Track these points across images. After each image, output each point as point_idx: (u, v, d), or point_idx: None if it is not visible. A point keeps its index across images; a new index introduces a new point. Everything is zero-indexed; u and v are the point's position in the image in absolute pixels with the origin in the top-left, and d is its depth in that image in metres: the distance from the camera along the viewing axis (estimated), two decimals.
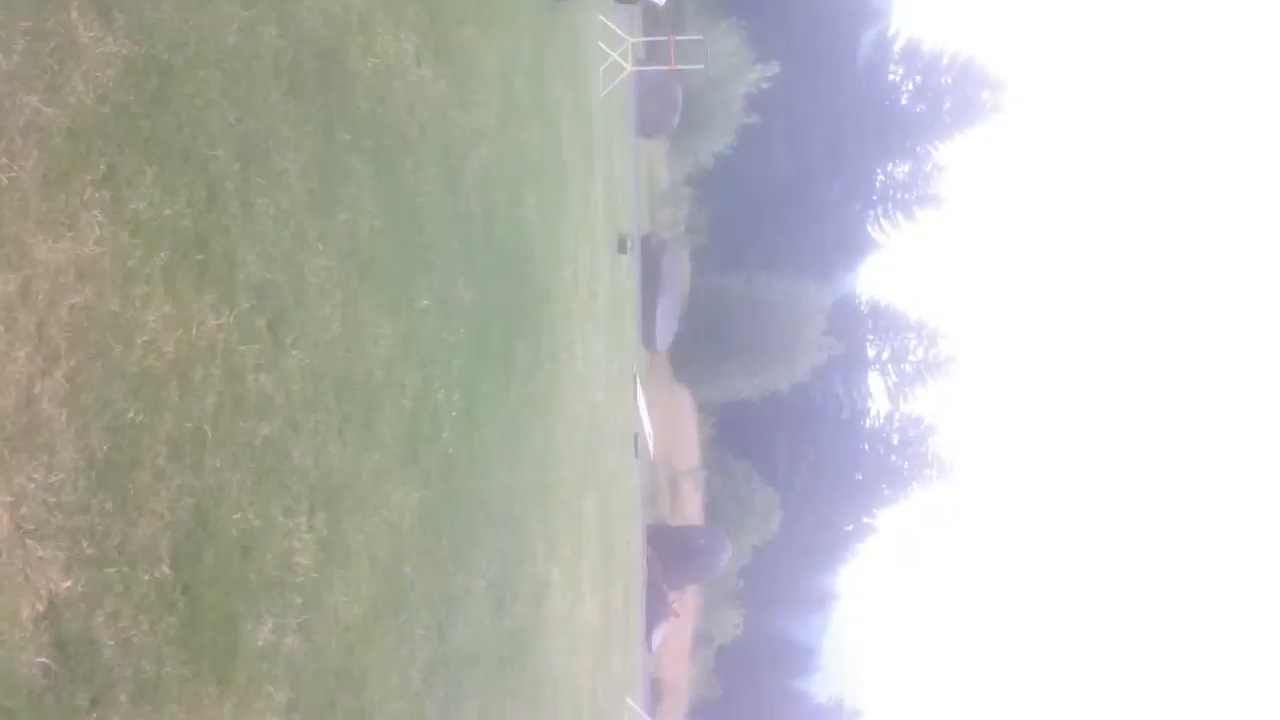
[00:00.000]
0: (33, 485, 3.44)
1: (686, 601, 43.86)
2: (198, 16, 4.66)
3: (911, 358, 76.17)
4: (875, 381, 78.77)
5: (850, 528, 79.17)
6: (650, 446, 35.77)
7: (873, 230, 73.23)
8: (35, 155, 3.58)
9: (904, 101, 69.63)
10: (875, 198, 72.09)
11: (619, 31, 21.46)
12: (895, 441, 75.97)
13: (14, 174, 3.48)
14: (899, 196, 72.02)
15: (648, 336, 36.28)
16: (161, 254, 4.25)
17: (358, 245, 6.29)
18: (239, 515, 4.67)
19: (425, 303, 7.58)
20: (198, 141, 4.58)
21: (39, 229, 3.57)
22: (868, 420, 78.56)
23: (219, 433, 4.57)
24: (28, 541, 3.39)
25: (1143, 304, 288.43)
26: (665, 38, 22.71)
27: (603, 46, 19.89)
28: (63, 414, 3.61)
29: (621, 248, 24.57)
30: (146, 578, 3.97)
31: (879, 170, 71.36)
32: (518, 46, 11.49)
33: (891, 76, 69.59)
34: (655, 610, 35.83)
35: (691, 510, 48.15)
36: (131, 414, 3.98)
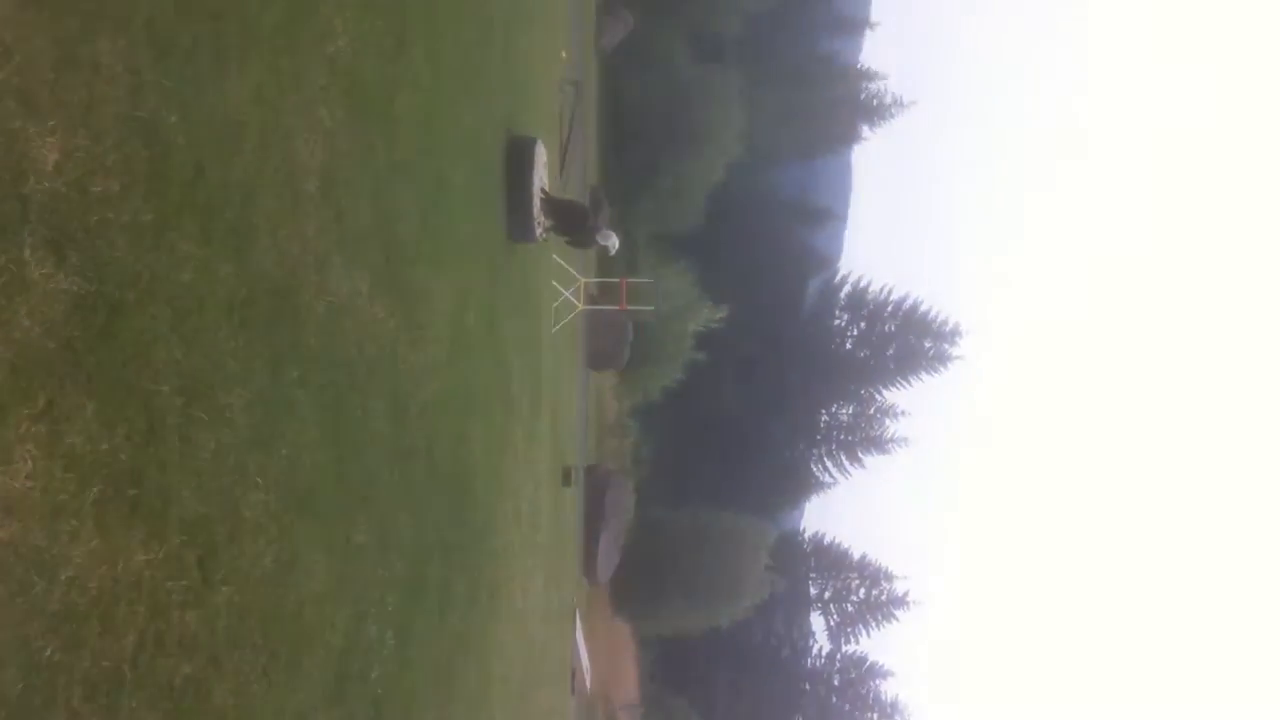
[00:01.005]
0: None
1: None
2: (153, 255, 4.77)
3: (854, 598, 75.53)
4: (817, 620, 77.70)
5: None
6: (588, 681, 34.60)
7: (817, 470, 73.94)
8: None
9: (848, 346, 71.86)
10: (819, 438, 73.20)
11: (572, 271, 22.24)
12: (836, 682, 74.21)
13: None
14: (843, 438, 73.18)
15: (589, 568, 35.81)
16: (94, 489, 4.19)
17: (297, 480, 6.24)
18: None
19: (362, 538, 7.45)
20: (142, 377, 4.60)
21: None
22: (809, 659, 76.93)
23: (138, 673, 4.38)
24: None
25: (1103, 537, 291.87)
26: (618, 279, 23.52)
27: (556, 285, 20.55)
28: None
29: (566, 481, 24.55)
30: None
31: (823, 411, 72.80)
32: (471, 285, 11.83)
33: (836, 321, 72.08)
34: None
35: None
36: (49, 652, 3.82)
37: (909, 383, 70.31)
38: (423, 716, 9.10)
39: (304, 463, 6.35)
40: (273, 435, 5.94)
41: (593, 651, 35.79)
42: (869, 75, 74.59)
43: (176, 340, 4.90)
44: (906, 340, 69.56)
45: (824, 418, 73.37)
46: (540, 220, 15.07)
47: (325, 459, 6.70)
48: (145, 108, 4.78)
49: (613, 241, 16.16)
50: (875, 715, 72.39)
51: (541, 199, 15.18)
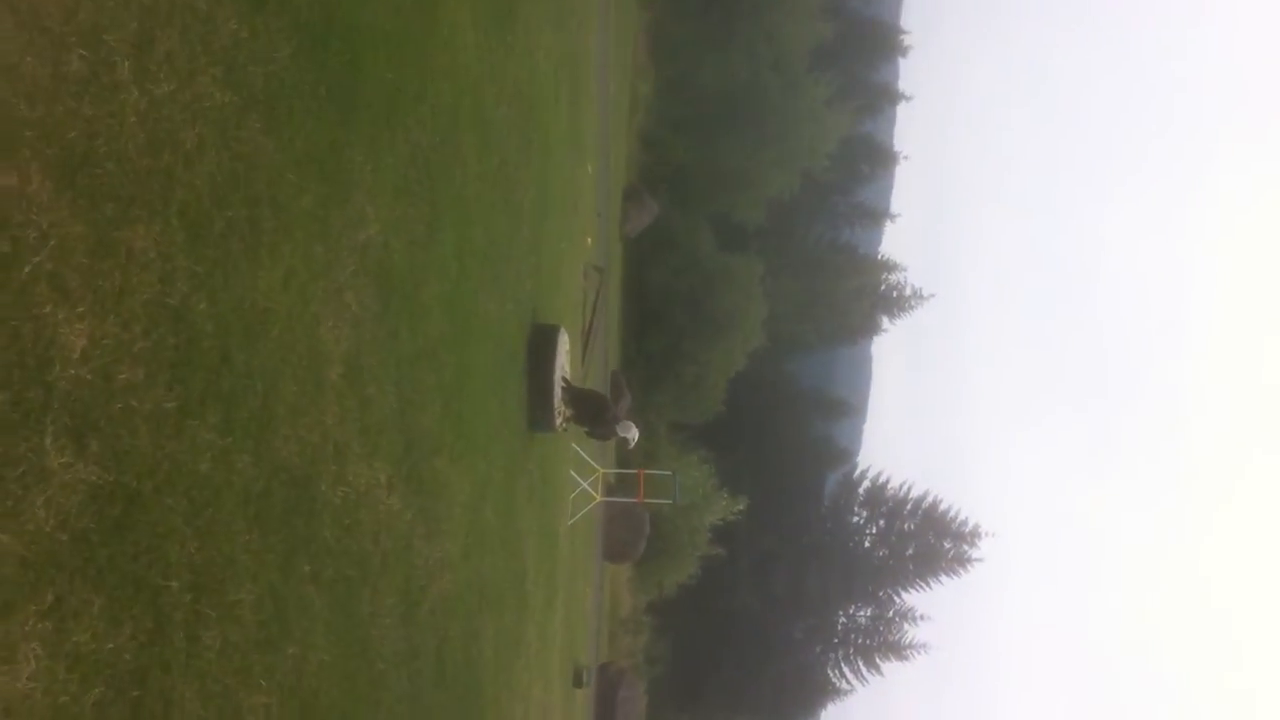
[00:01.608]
0: None
1: None
2: (173, 444, 4.68)
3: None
4: None
5: None
6: None
7: (834, 675, 71.39)
8: None
9: (867, 544, 70.69)
10: (836, 640, 71.05)
11: (591, 461, 22.10)
12: None
13: None
14: (861, 642, 70.96)
15: None
16: (96, 690, 3.97)
17: (302, 682, 5.95)
18: None
19: None
20: (152, 571, 4.43)
21: None
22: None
23: None
24: None
25: None
26: (636, 471, 23.33)
27: (574, 475, 20.37)
28: None
29: (578, 682, 23.73)
30: None
31: (841, 613, 70.92)
32: (489, 476, 11.68)
33: (855, 518, 71.14)
34: None
35: None
36: None
37: (928, 585, 68.77)
38: None
39: (310, 663, 6.07)
40: (280, 634, 5.69)
41: None
42: (889, 266, 75.76)
43: (191, 533, 4.75)
44: (926, 540, 68.48)
45: (842, 620, 71.46)
46: (561, 410, 15.04)
47: (332, 658, 6.41)
48: (176, 294, 4.78)
49: (633, 434, 16.07)
50: None
51: (563, 388, 15.20)
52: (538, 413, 14.50)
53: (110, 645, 4.09)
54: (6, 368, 3.69)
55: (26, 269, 3.82)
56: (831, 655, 70.93)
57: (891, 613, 70.54)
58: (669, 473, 26.84)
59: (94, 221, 4.25)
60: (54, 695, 3.74)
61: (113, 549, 4.17)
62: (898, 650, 70.00)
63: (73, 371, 4.04)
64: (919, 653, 69.65)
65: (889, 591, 69.71)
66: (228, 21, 5.38)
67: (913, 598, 69.54)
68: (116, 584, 4.18)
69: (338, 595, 6.60)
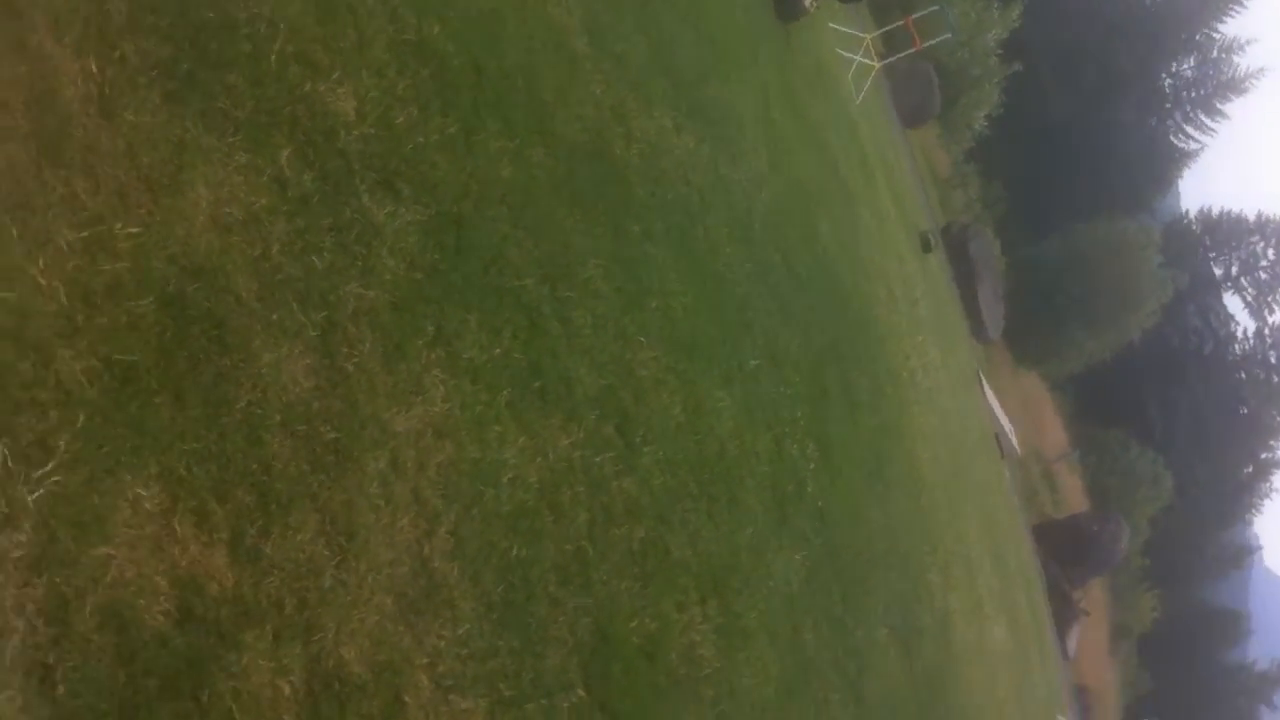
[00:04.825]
0: (443, 642, 3.50)
1: (1093, 596, 40.88)
2: (470, 161, 4.80)
3: (1263, 262, 68.38)
4: (1232, 302, 71.32)
5: (1249, 469, 71.25)
6: (1014, 441, 33.95)
7: (1178, 140, 66.86)
8: (370, 337, 3.73)
9: None
10: (1169, 105, 65.94)
11: (854, 32, 20.94)
12: (1274, 359, 68.11)
13: (357, 359, 3.62)
14: (1194, 95, 65.45)
15: (978, 329, 34.68)
16: (504, 392, 4.34)
17: (675, 327, 6.25)
18: (635, 623, 4.63)
19: (754, 363, 7.44)
20: (505, 277, 4.68)
21: (391, 402, 3.70)
22: (1235, 346, 70.92)
23: (598, 547, 4.57)
24: (450, 697, 3.45)
25: None
26: (901, 21, 21.84)
27: (843, 53, 19.44)
28: (454, 568, 3.69)
29: (925, 247, 23.69)
30: (565, 705, 3.97)
31: (1163, 74, 65.28)
32: (764, 82, 11.34)
33: None
34: (1063, 615, 33.64)
35: (1073, 497, 45.05)
36: (515, 551, 4.03)
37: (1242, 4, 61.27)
38: (867, 516, 9.12)
39: (675, 309, 6.34)
40: (639, 293, 5.95)
41: (1009, 410, 35.01)
42: None
43: (523, 234, 4.95)
44: None
45: (1167, 81, 65.79)
46: None
47: (694, 299, 6.67)
48: (408, 28, 4.76)
49: None
50: None
51: None
52: (782, 2, 13.72)
53: (498, 351, 4.41)
54: (301, 148, 3.84)
55: (273, 59, 3.88)
56: (1170, 121, 66.16)
57: (1215, 52, 63.95)
58: (935, 6, 24.88)
59: None
60: (470, 408, 4.11)
61: (463, 269, 4.42)
62: (1235, 87, 64.00)
63: (356, 132, 4.16)
64: (1258, 78, 63.26)
65: (1204, 31, 62.92)
66: None
67: (1230, 26, 62.35)
68: (480, 298, 4.45)
69: (674, 242, 6.78)
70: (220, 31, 3.62)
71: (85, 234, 2.76)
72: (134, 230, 2.91)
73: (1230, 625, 72.68)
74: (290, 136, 3.79)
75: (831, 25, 19.05)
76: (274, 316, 3.31)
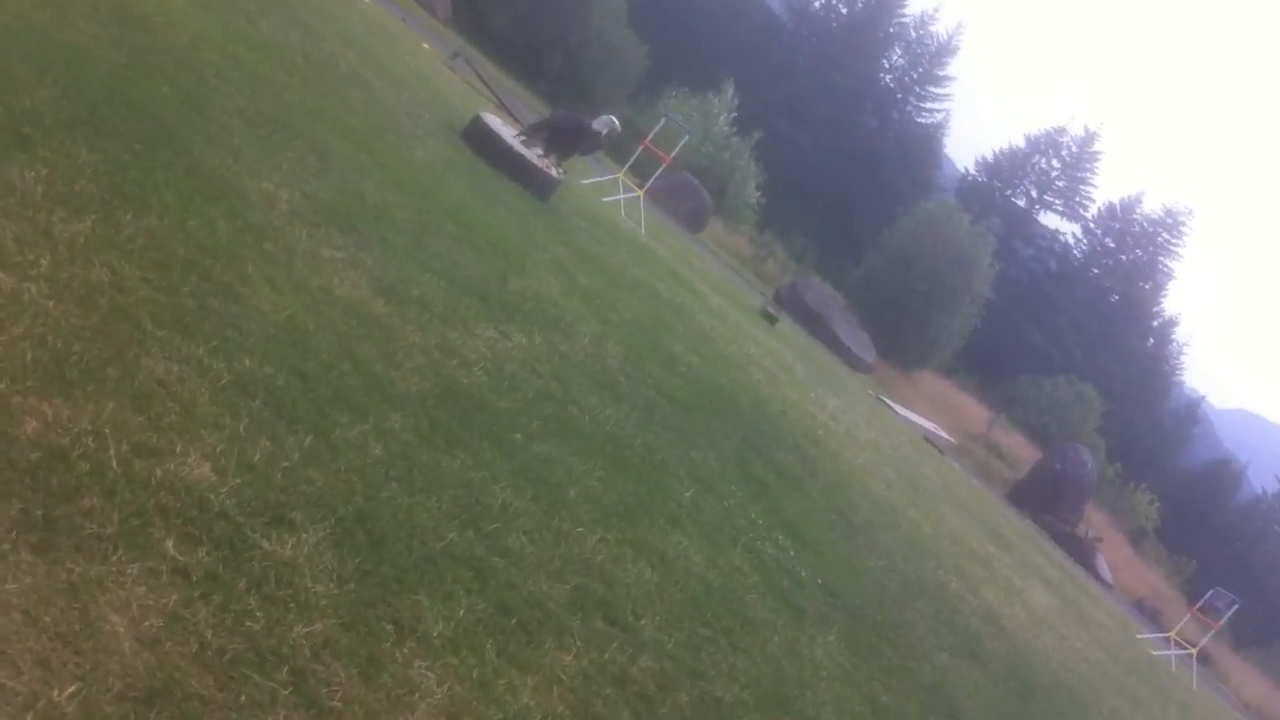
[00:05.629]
0: None
1: (1095, 522, 41.42)
2: (339, 459, 4.78)
3: (1054, 173, 73.34)
4: (1049, 219, 75.61)
5: (1150, 341, 74.50)
6: (944, 435, 34.62)
7: (923, 119, 71.73)
8: (339, 666, 3.60)
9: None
10: (900, 96, 71.10)
11: (606, 177, 21.90)
12: (1112, 244, 72.41)
13: (340, 692, 3.48)
14: (914, 76, 70.92)
15: (855, 362, 35.64)
16: (487, 646, 4.24)
17: (603, 503, 6.24)
18: None
19: (688, 494, 7.45)
20: (429, 543, 4.61)
21: (393, 715, 3.57)
22: (1075, 251, 75.18)
23: None
24: None
25: None
26: (639, 146, 22.96)
27: (607, 200, 20.25)
28: None
29: (770, 319, 24.40)
30: None
31: (880, 74, 70.54)
32: (554, 257, 11.65)
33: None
34: (1080, 552, 34.06)
35: (1023, 452, 45.99)
36: None
37: None
38: (865, 564, 9.11)
39: (594, 487, 6.34)
40: (554, 491, 5.93)
41: (924, 412, 35.78)
42: None
43: (422, 497, 4.91)
44: None
45: (887, 78, 71.31)
46: (544, 157, 14.80)
47: (605, 470, 6.69)
48: (223, 374, 4.77)
49: (614, 123, 15.61)
50: None
51: (524, 139, 14.91)
52: (532, 184, 14.27)
53: (461, 611, 4.33)
54: (182, 531, 3.76)
55: (115, 464, 3.81)
56: (909, 107, 71.27)
57: (913, 32, 69.69)
58: (662, 120, 26.36)
59: None
60: (465, 679, 4.00)
61: (388, 558, 4.35)
62: (946, 51, 69.85)
63: (225, 488, 4.12)
64: (960, 34, 69.11)
65: (896, 22, 68.59)
66: None
67: (914, 5, 68.07)
68: (418, 575, 4.38)
69: (557, 431, 6.79)
70: (54, 464, 3.57)
71: (30, 717, 2.64)
72: (73, 689, 2.79)
73: (1224, 473, 74.53)
74: (167, 526, 3.70)
75: (584, 182, 19.88)
76: (242, 698, 3.19)
